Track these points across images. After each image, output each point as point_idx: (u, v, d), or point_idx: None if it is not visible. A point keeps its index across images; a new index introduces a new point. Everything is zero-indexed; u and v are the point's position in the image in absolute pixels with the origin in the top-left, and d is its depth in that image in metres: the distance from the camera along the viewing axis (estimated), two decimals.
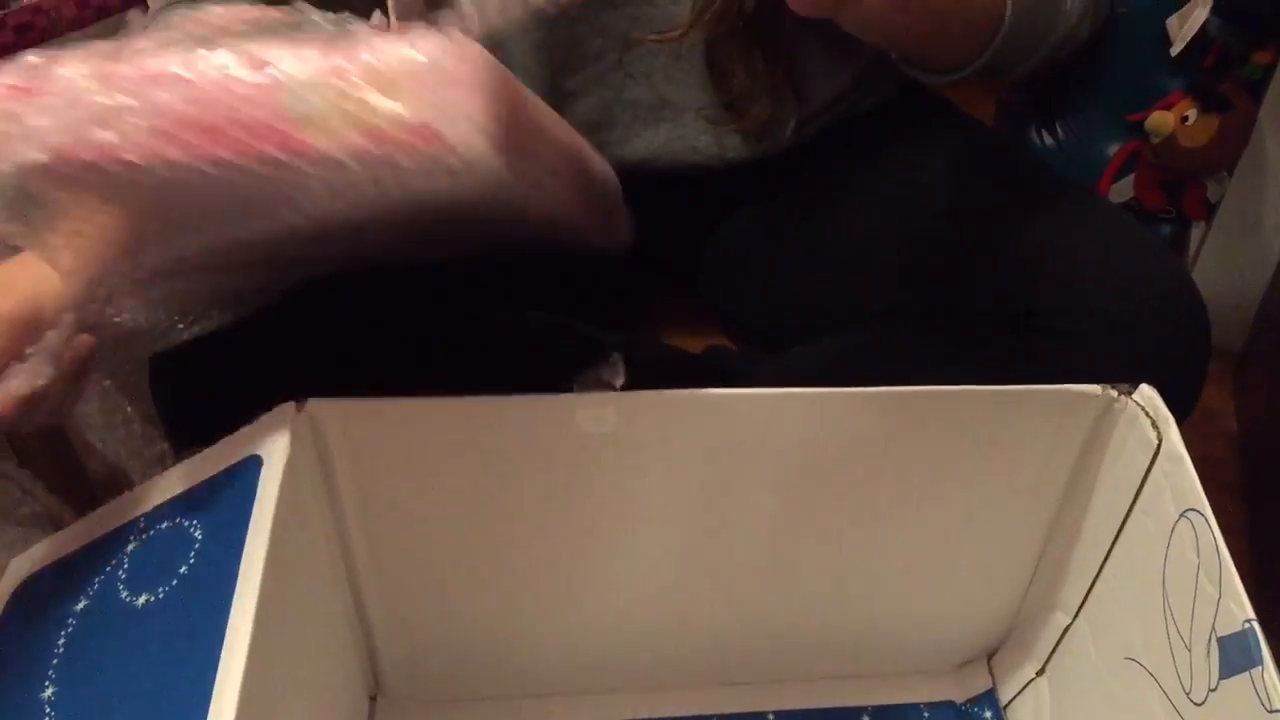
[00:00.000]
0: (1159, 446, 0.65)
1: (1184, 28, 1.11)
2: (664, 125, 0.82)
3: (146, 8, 0.88)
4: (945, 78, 0.71)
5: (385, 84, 0.49)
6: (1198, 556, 0.61)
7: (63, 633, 0.58)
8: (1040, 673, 0.82)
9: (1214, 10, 1.11)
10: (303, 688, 0.64)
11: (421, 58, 0.49)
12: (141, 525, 0.62)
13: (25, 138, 0.49)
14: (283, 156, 0.49)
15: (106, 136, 0.49)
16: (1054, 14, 0.71)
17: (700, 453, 0.68)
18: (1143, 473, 0.67)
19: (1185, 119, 1.18)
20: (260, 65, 0.49)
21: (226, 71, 0.49)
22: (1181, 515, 0.63)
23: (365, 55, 0.49)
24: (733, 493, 0.71)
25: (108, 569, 0.60)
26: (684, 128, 0.82)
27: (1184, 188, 1.26)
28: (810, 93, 0.82)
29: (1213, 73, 1.17)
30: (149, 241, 0.56)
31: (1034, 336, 0.69)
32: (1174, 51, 1.15)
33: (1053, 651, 0.80)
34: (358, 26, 0.53)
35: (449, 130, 0.48)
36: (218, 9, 0.55)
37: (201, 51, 0.50)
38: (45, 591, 0.62)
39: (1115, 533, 0.70)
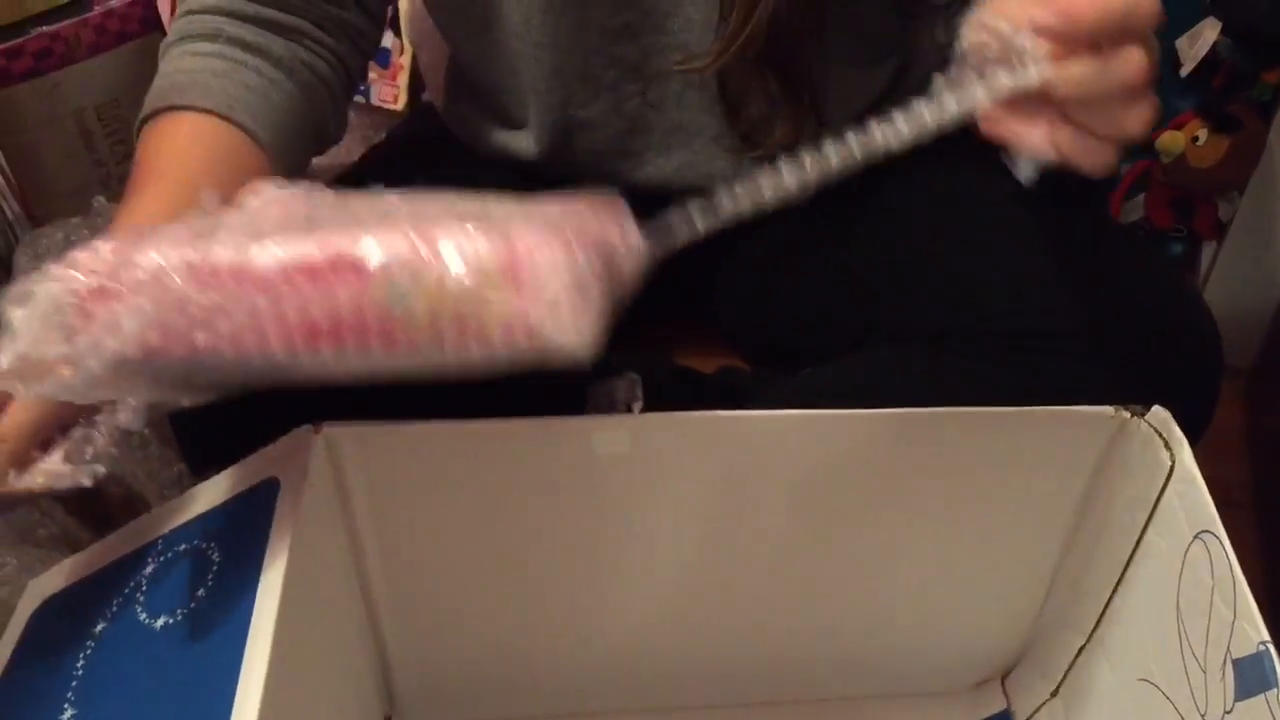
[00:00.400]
0: (1172, 468, 0.65)
1: (1194, 49, 1.11)
2: (679, 151, 0.83)
3: (163, 28, 0.89)
4: None
5: (491, 284, 0.49)
6: (1212, 578, 0.61)
7: (82, 654, 0.58)
8: (1054, 694, 0.82)
9: (1223, 31, 1.11)
10: (319, 709, 0.64)
11: (528, 257, 0.49)
12: (160, 547, 0.62)
13: (112, 335, 0.49)
14: (379, 349, 0.50)
15: (199, 338, 0.49)
16: None
17: (714, 474, 0.69)
18: (1156, 494, 0.67)
19: (1196, 139, 1.18)
20: (359, 265, 0.49)
21: (323, 267, 0.49)
22: (1196, 537, 0.63)
23: (468, 249, 0.49)
24: (746, 514, 0.71)
25: (126, 591, 0.61)
26: (700, 153, 0.83)
27: (1195, 207, 1.26)
28: (830, 116, 0.82)
29: (1222, 93, 1.18)
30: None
31: (1046, 358, 0.69)
32: (1184, 72, 1.15)
33: (1067, 672, 0.80)
34: (464, 206, 0.53)
35: (552, 330, 0.49)
36: (295, 192, 0.55)
37: (294, 247, 0.49)
38: (64, 613, 0.62)
39: (1129, 554, 0.70)
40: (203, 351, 0.50)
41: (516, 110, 0.83)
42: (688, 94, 0.80)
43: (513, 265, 0.49)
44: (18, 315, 0.49)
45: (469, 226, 0.50)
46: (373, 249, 0.49)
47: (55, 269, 0.49)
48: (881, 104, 0.85)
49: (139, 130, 0.69)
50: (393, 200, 0.54)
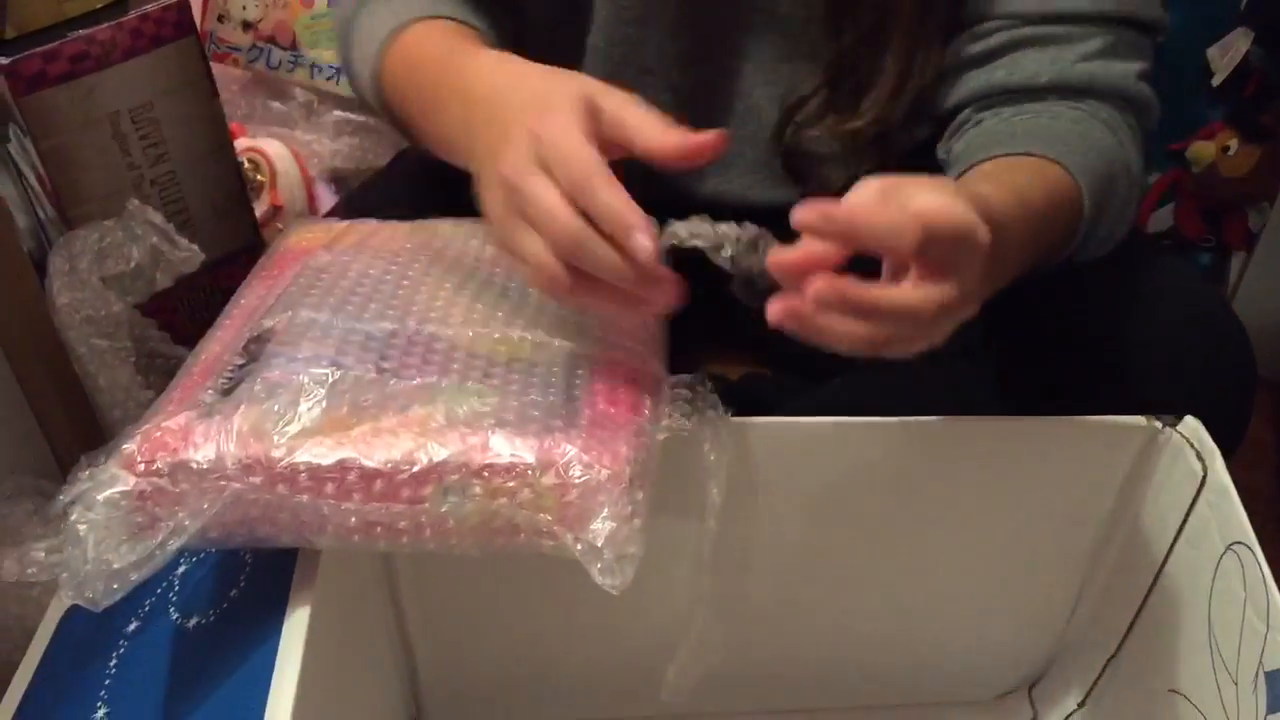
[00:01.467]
0: (1204, 478, 0.65)
1: (1225, 58, 1.10)
2: (735, 172, 0.83)
3: (198, 37, 0.90)
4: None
5: (536, 496, 0.52)
6: (1244, 590, 0.61)
7: (114, 654, 0.59)
8: (1082, 704, 0.81)
9: (1255, 40, 1.11)
10: (348, 710, 0.64)
11: (575, 481, 0.53)
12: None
13: (176, 536, 0.51)
14: (409, 536, 0.53)
15: (261, 530, 0.53)
16: (1118, 179, 0.71)
17: (740, 481, 0.68)
18: (1188, 505, 0.67)
19: (1226, 149, 1.18)
20: (417, 479, 0.52)
21: (380, 476, 0.52)
22: (1228, 548, 0.63)
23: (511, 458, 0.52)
24: (773, 522, 0.71)
25: (159, 591, 0.61)
26: (756, 175, 0.83)
27: (1224, 217, 1.25)
28: (891, 149, 0.81)
29: (1253, 102, 1.17)
30: None
31: (1078, 368, 0.69)
32: (1215, 82, 1.14)
33: (1095, 683, 0.79)
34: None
35: (582, 538, 0.53)
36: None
37: (348, 451, 0.52)
38: (97, 613, 0.63)
39: (1160, 565, 0.70)
40: (264, 540, 0.53)
41: None
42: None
43: (561, 486, 0.52)
44: (81, 524, 0.51)
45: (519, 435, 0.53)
46: (431, 453, 0.52)
47: (114, 471, 0.52)
48: (936, 136, 0.83)
49: (378, 75, 0.73)
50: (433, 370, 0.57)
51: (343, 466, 0.51)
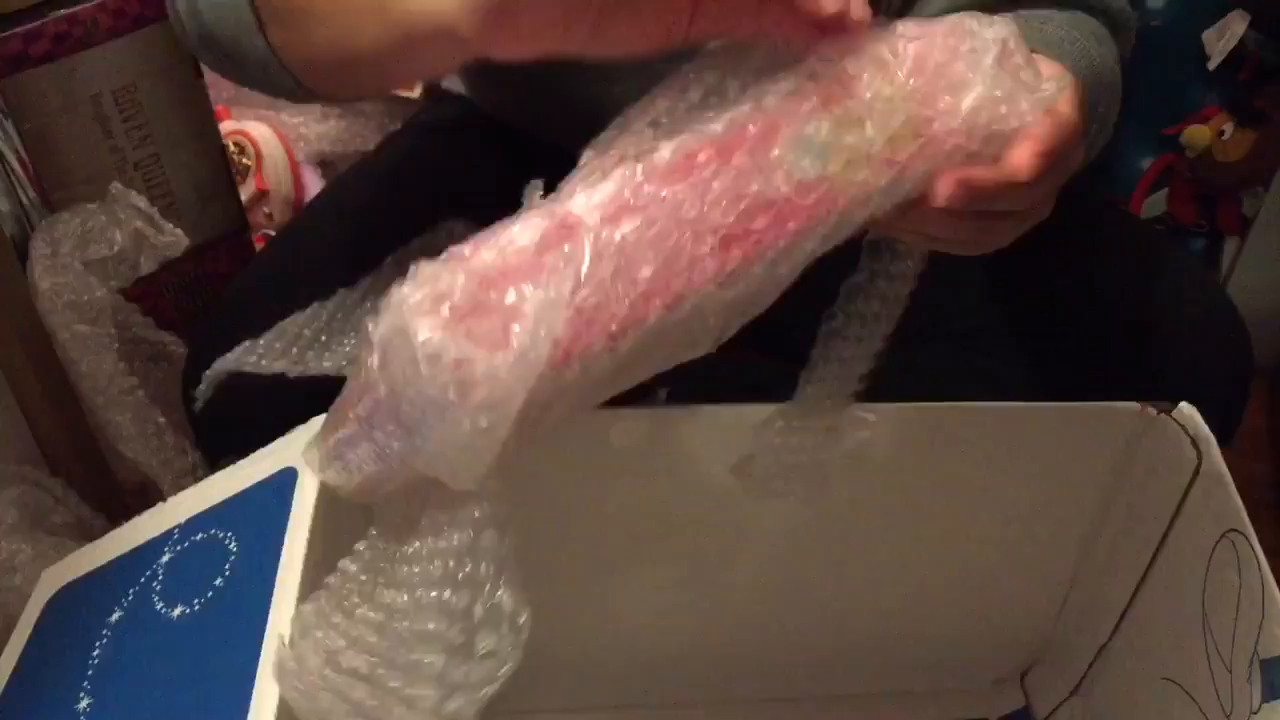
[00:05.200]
0: (1199, 466, 0.65)
1: (1221, 41, 1.10)
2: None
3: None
4: None
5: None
6: (1239, 578, 0.60)
7: (97, 644, 0.58)
8: (1075, 691, 0.81)
9: (1251, 24, 1.10)
10: None
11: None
12: (176, 536, 0.62)
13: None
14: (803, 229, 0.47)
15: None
16: (1103, 90, 0.68)
17: (732, 468, 0.68)
18: (1182, 491, 0.66)
19: (1222, 133, 1.17)
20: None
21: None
22: (1223, 536, 0.62)
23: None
24: (765, 508, 0.70)
25: (142, 580, 0.60)
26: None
27: (1218, 202, 1.25)
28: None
29: (1249, 87, 1.16)
30: None
31: (1073, 355, 0.69)
32: (1211, 65, 1.14)
33: (1088, 670, 0.79)
34: None
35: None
36: None
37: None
38: (79, 602, 0.62)
39: (1153, 552, 0.69)
40: (625, 324, 0.44)
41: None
42: None
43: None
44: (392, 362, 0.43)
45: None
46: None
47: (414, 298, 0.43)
48: None
49: None
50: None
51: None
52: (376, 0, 0.50)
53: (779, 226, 0.46)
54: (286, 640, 0.51)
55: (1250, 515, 0.61)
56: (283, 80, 0.60)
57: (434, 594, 0.46)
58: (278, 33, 0.57)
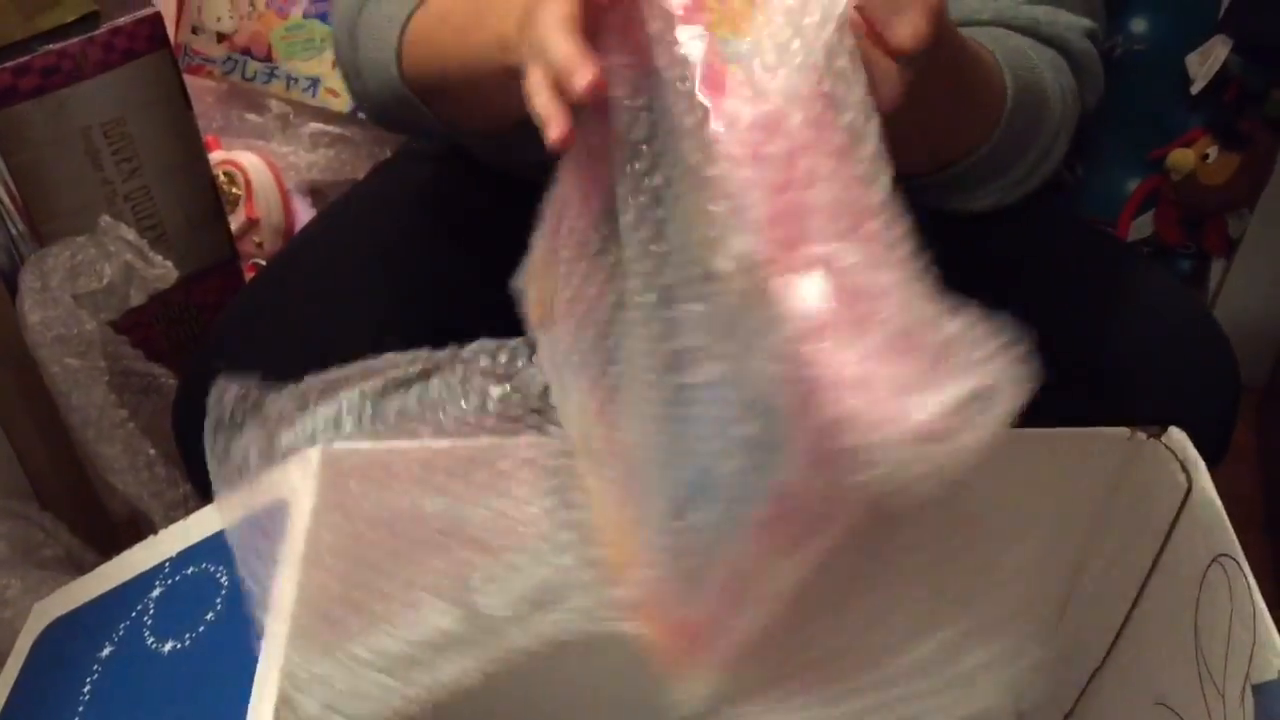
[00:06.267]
0: (1189, 490, 0.65)
1: (1205, 65, 1.11)
2: None
3: (171, 50, 0.89)
4: (950, 169, 0.68)
5: None
6: (1230, 602, 0.60)
7: (88, 679, 0.58)
8: (1067, 717, 0.81)
9: (1234, 48, 1.11)
10: None
11: None
12: (167, 570, 0.62)
13: None
14: None
15: None
16: (1043, 105, 0.69)
17: None
18: (1172, 516, 0.66)
19: (1206, 156, 1.18)
20: None
21: None
22: (1214, 560, 0.62)
23: None
24: None
25: (133, 615, 0.60)
26: None
27: (1204, 224, 1.26)
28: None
29: (1233, 110, 1.17)
30: None
31: (1061, 379, 0.69)
32: (1195, 89, 1.15)
33: (1080, 695, 0.79)
34: None
35: None
36: None
37: None
38: (70, 636, 0.62)
39: (1144, 577, 0.69)
40: None
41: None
42: None
43: None
44: None
45: None
46: None
47: None
48: None
49: (398, 48, 0.71)
50: None
51: None
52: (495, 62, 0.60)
53: None
54: None
55: (1240, 537, 0.61)
56: (456, 135, 0.77)
57: None
58: (440, 110, 0.72)
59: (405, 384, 0.63)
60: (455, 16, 0.67)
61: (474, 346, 0.61)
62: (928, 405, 0.42)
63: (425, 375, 0.61)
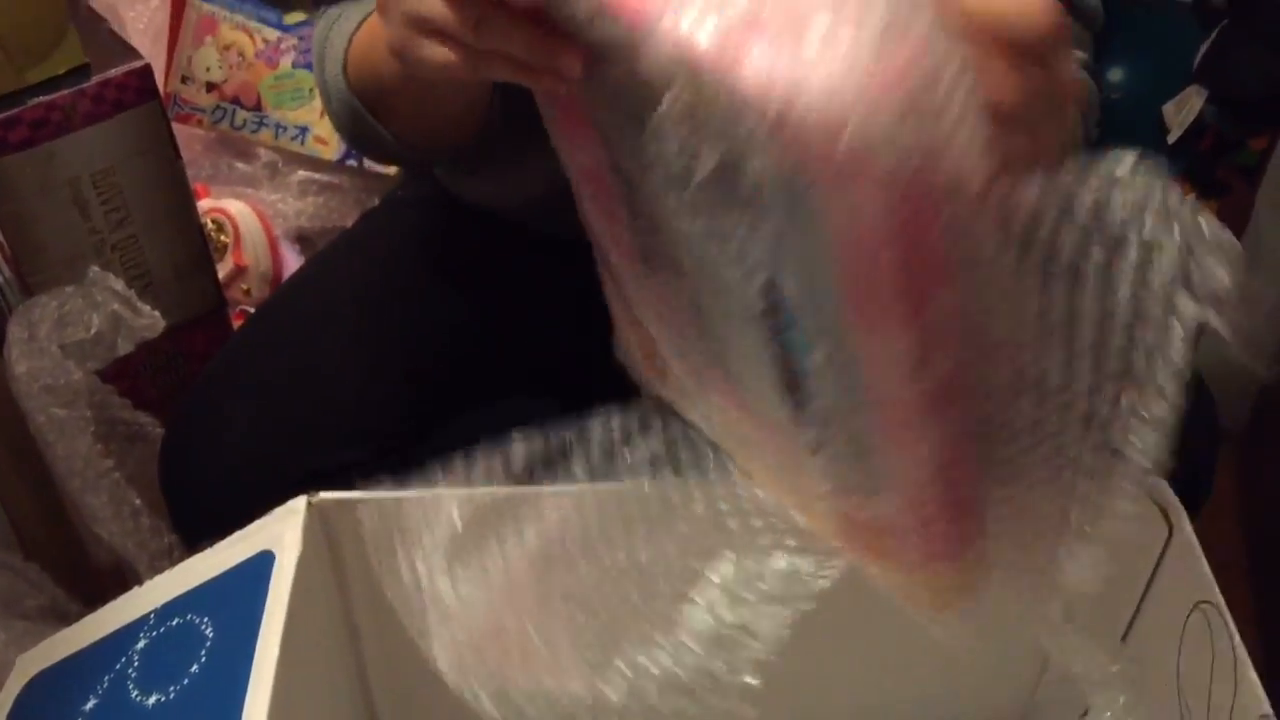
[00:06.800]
0: (1169, 537, 0.65)
1: (1180, 115, 1.13)
2: None
3: (161, 101, 0.90)
4: None
5: None
6: (1212, 649, 0.61)
7: None
8: None
9: (1208, 98, 1.13)
10: None
11: None
12: (152, 621, 0.62)
13: None
14: None
15: None
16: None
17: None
18: (1154, 563, 0.67)
19: None
20: None
21: None
22: (1195, 607, 0.63)
23: None
24: None
25: (118, 667, 0.60)
26: None
27: None
28: None
29: (1209, 158, 1.19)
30: None
31: None
32: (1171, 139, 1.16)
33: None
34: None
35: None
36: None
37: None
38: (54, 689, 0.61)
39: (1128, 624, 0.70)
40: None
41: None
42: None
43: None
44: None
45: None
46: None
47: None
48: None
49: (345, 67, 0.71)
50: None
51: None
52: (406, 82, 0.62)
53: None
54: None
55: (1221, 583, 0.62)
56: (417, 156, 0.75)
57: None
58: (388, 121, 0.70)
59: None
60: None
61: (598, 420, 0.56)
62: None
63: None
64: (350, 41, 0.71)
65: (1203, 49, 1.13)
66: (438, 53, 0.52)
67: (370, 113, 0.71)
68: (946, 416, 0.45)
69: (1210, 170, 1.19)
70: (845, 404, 0.46)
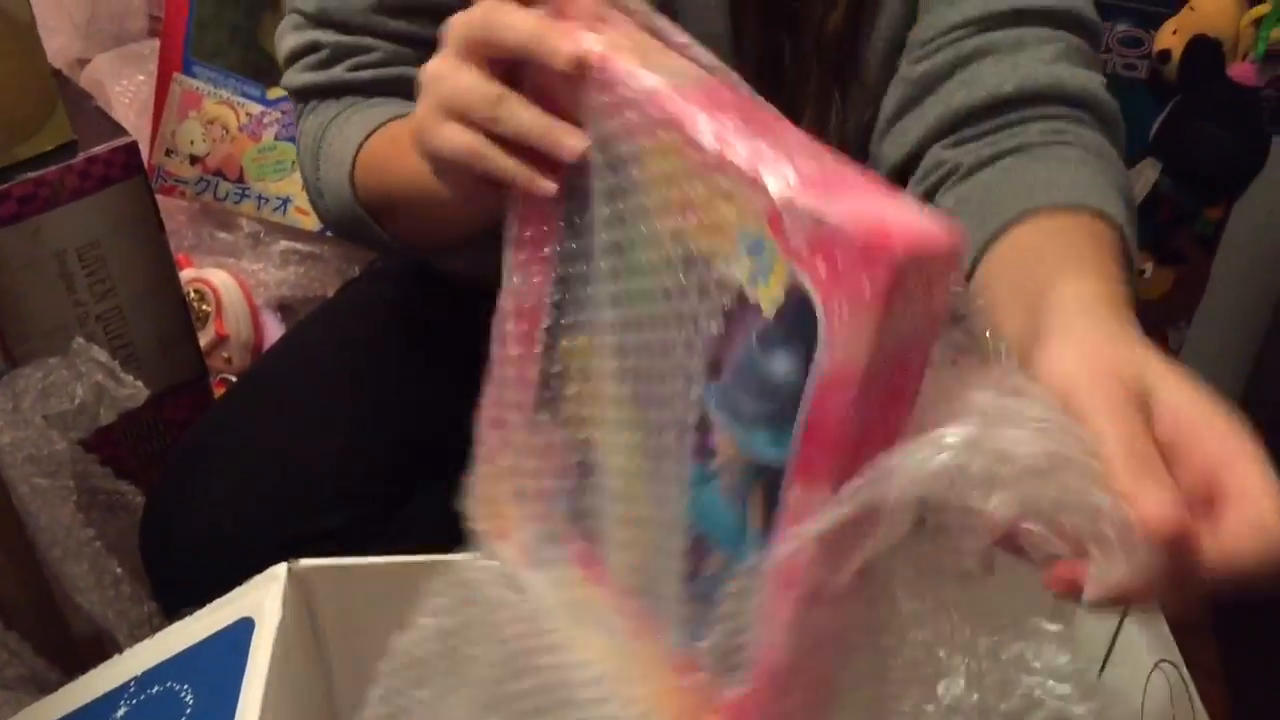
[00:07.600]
0: None
1: (1137, 186, 1.16)
2: None
3: (146, 176, 0.92)
4: None
5: None
6: (1172, 707, 0.62)
7: None
8: None
9: (1164, 170, 1.16)
10: None
11: None
12: (132, 690, 0.62)
13: None
14: None
15: None
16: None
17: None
18: (1116, 624, 0.68)
19: (1143, 272, 1.22)
20: None
21: None
22: (1156, 666, 0.64)
23: None
24: None
25: None
26: None
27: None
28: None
29: (1167, 227, 1.22)
30: None
31: None
32: None
33: None
34: None
35: None
36: None
37: None
38: None
39: (1091, 684, 0.71)
40: None
41: None
42: None
43: None
44: None
45: None
46: None
47: None
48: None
49: (352, 173, 0.73)
50: None
51: None
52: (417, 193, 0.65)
53: None
54: None
55: (1187, 641, 0.63)
56: (410, 250, 0.79)
57: None
58: (390, 225, 0.74)
59: None
60: (403, 139, 0.67)
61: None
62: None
63: None
64: (359, 148, 0.72)
65: (1157, 122, 1.16)
66: (457, 134, 0.54)
67: (372, 216, 0.73)
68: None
69: (1168, 239, 1.22)
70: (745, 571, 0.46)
